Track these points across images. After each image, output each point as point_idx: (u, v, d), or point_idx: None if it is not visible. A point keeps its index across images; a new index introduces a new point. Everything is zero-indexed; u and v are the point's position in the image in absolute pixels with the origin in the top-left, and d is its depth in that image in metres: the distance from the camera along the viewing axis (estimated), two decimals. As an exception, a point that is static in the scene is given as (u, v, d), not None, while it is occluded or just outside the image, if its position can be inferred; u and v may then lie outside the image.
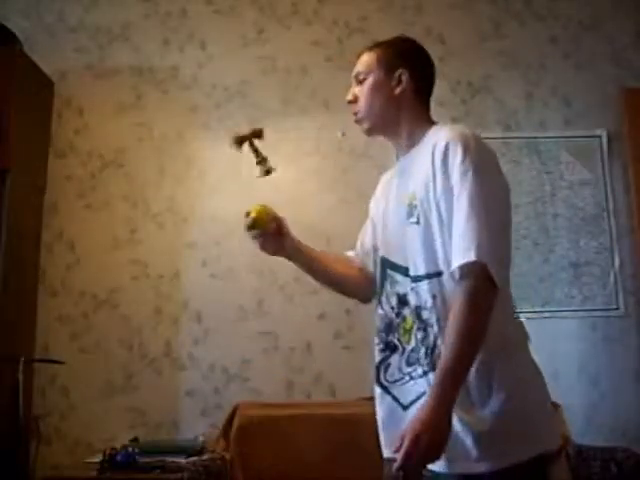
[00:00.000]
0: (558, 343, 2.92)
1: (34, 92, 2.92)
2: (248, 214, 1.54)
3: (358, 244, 1.62)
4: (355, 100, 1.46)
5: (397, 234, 1.38)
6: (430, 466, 1.19)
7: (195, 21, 3.20)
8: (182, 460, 2.43)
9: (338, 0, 3.24)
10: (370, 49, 1.47)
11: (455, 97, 3.15)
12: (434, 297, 1.26)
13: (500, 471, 1.16)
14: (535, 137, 3.11)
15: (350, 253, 1.64)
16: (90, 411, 2.82)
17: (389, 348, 1.37)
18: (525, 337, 1.32)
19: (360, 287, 1.57)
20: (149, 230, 3.01)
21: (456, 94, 3.15)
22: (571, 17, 3.24)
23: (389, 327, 1.38)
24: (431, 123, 1.43)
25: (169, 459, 2.45)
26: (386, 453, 1.35)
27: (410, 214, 1.32)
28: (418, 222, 1.30)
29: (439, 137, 1.30)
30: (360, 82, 1.45)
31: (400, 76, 1.41)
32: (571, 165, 3.08)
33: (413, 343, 1.31)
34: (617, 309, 2.97)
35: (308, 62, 3.18)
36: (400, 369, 1.34)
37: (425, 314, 1.28)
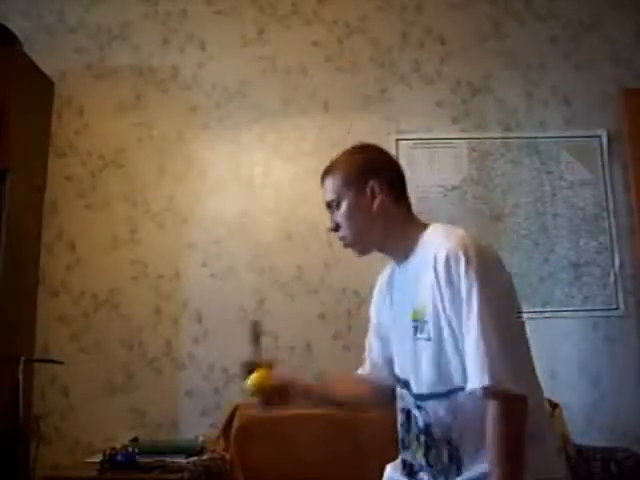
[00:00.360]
0: (558, 343, 2.93)
1: (34, 92, 2.92)
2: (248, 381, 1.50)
3: (367, 360, 1.60)
4: (337, 228, 1.42)
5: (404, 351, 1.37)
6: None
7: (195, 21, 3.20)
8: (182, 460, 2.43)
9: (338, 0, 3.24)
10: (331, 172, 1.43)
11: (455, 97, 3.15)
12: (454, 414, 1.25)
13: None
14: (535, 137, 3.11)
15: (360, 371, 1.62)
16: (90, 411, 2.82)
17: (407, 466, 1.38)
18: (544, 412, 1.33)
19: (375, 401, 1.58)
20: (149, 230, 3.01)
21: (456, 94, 3.15)
22: (571, 17, 3.24)
23: (403, 444, 1.39)
24: (420, 225, 1.40)
25: (169, 459, 2.45)
26: None
27: (420, 330, 1.30)
28: (429, 339, 1.27)
29: (437, 248, 1.27)
30: (335, 208, 1.42)
31: (373, 188, 1.38)
32: (571, 165, 3.08)
33: (424, 461, 1.31)
34: (617, 309, 2.96)
35: (308, 62, 3.18)
36: None
37: (436, 432, 1.27)
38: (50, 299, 2.92)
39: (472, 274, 1.21)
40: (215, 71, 3.16)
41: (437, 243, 1.29)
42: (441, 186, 3.05)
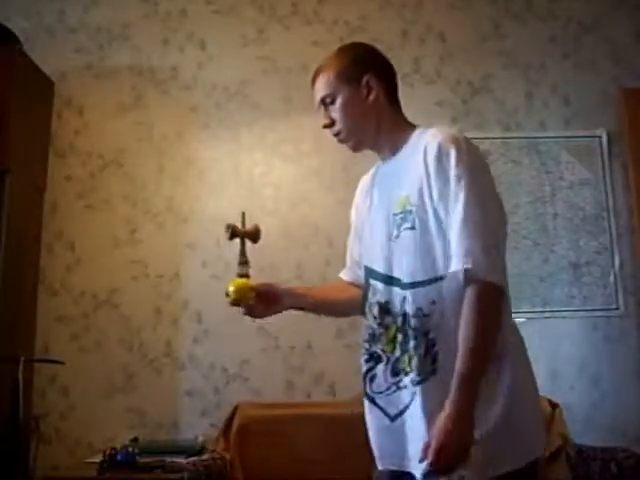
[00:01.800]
0: (558, 343, 2.92)
1: (34, 92, 2.92)
2: (227, 294, 1.50)
3: (348, 258, 1.60)
4: (332, 123, 1.41)
5: (382, 241, 1.36)
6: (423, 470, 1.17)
7: (195, 21, 3.20)
8: (182, 460, 2.43)
9: (338, 0, 3.24)
10: (323, 69, 1.41)
11: (455, 97, 3.15)
12: (433, 302, 1.24)
13: (495, 479, 1.16)
14: (535, 137, 3.11)
15: (341, 274, 1.61)
16: (90, 411, 2.82)
17: (373, 359, 1.36)
18: (521, 340, 1.31)
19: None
20: (149, 230, 3.01)
21: (456, 94, 3.15)
22: (571, 17, 3.24)
23: (372, 337, 1.37)
24: (410, 125, 1.41)
25: (169, 459, 2.45)
26: (380, 465, 1.35)
27: (404, 219, 1.30)
28: (413, 227, 1.28)
29: (428, 140, 1.28)
30: (329, 104, 1.40)
31: (368, 82, 1.37)
32: (571, 165, 3.08)
33: (398, 352, 1.30)
34: (617, 309, 2.96)
35: (308, 62, 3.17)
36: (386, 379, 1.32)
37: (415, 322, 1.26)
38: (50, 299, 2.92)
39: (463, 166, 1.22)
40: (215, 71, 3.16)
41: (428, 137, 1.29)
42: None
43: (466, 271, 1.17)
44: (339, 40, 3.19)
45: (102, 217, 3.01)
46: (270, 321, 2.88)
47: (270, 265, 2.95)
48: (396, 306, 1.30)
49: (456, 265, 1.19)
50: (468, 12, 3.24)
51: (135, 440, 2.66)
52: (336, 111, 1.39)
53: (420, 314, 1.25)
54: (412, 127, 1.40)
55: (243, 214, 1.57)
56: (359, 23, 3.21)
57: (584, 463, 2.36)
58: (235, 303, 1.48)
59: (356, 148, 1.45)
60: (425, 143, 1.28)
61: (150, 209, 3.03)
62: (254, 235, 1.60)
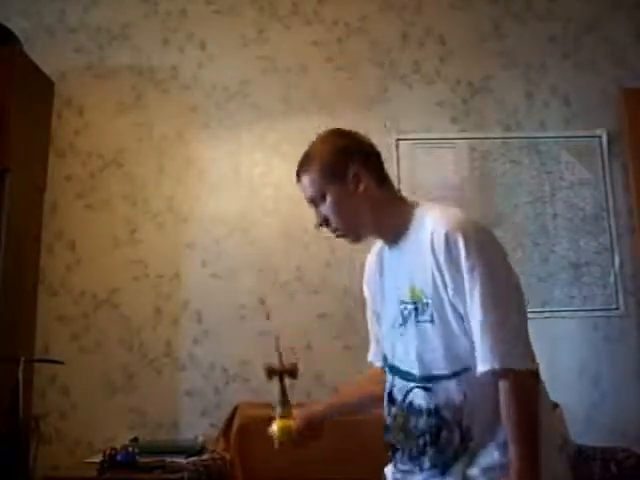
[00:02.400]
0: (558, 343, 2.93)
1: (34, 92, 2.92)
2: (272, 435, 1.52)
3: (374, 344, 1.56)
4: (327, 222, 1.38)
5: (393, 334, 1.36)
6: None
7: (195, 21, 3.20)
8: (182, 460, 2.43)
9: (338, 0, 3.24)
10: (305, 168, 1.39)
11: (455, 97, 3.15)
12: (464, 394, 1.23)
13: None
14: (535, 137, 3.11)
15: (370, 359, 1.58)
16: (90, 411, 2.82)
17: (391, 449, 1.37)
18: (547, 399, 1.31)
19: None
20: (149, 230, 3.01)
21: (456, 94, 3.15)
22: (571, 17, 3.24)
23: (386, 428, 1.38)
24: (409, 204, 1.37)
25: (169, 459, 2.45)
26: None
27: (421, 312, 1.28)
28: (432, 321, 1.26)
29: (434, 228, 1.25)
30: (320, 203, 1.37)
31: (355, 175, 1.33)
32: (571, 165, 3.08)
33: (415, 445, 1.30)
34: (617, 309, 2.97)
35: (308, 62, 3.18)
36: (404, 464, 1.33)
37: (446, 413, 1.25)
38: (50, 299, 2.92)
39: (472, 254, 1.20)
40: (215, 71, 3.16)
41: (433, 222, 1.27)
42: (441, 186, 3.05)
43: (494, 372, 1.18)
44: (339, 40, 3.20)
45: (102, 217, 3.01)
46: (270, 322, 2.91)
47: (270, 266, 2.96)
48: (424, 398, 1.29)
49: (483, 367, 1.19)
50: (468, 12, 3.24)
51: (135, 440, 2.66)
52: (328, 209, 1.36)
53: (449, 405, 1.25)
54: (410, 207, 1.36)
55: (280, 354, 1.57)
56: (359, 23, 3.21)
57: (584, 463, 2.36)
58: (280, 443, 1.49)
59: (357, 240, 1.40)
60: (430, 231, 1.25)
61: (150, 209, 3.03)
62: (293, 372, 1.57)
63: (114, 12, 3.20)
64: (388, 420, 1.37)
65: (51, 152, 3.04)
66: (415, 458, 1.29)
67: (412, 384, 1.31)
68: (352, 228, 1.38)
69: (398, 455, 1.34)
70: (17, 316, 2.72)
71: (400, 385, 1.34)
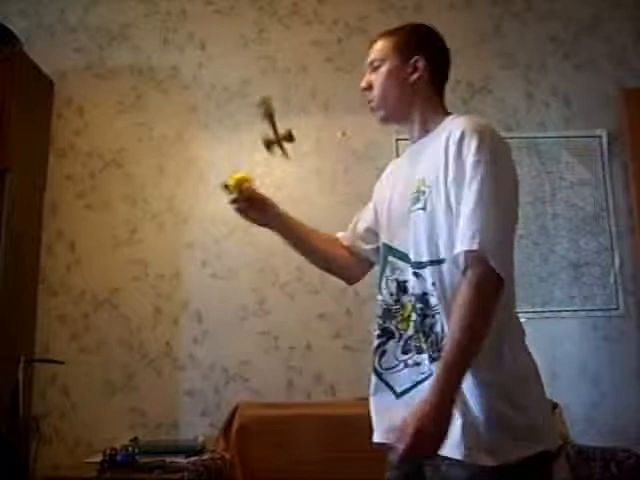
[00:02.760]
0: (558, 343, 2.93)
1: (34, 92, 2.92)
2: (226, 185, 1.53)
3: (351, 225, 1.62)
4: (369, 88, 1.44)
5: (401, 220, 1.37)
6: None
7: (195, 21, 3.20)
8: (182, 460, 2.43)
9: (338, 0, 3.24)
10: (386, 35, 1.44)
11: (455, 97, 3.14)
12: (433, 284, 1.25)
13: (504, 466, 1.14)
14: (535, 137, 3.11)
15: (340, 234, 1.64)
16: (90, 411, 2.82)
17: (386, 334, 1.36)
18: (523, 334, 1.31)
19: (345, 267, 1.60)
20: (149, 230, 3.01)
21: (456, 94, 3.15)
22: (571, 17, 3.24)
23: (387, 313, 1.37)
24: (446, 112, 1.42)
25: (169, 459, 2.45)
26: (377, 438, 1.35)
27: (417, 200, 1.31)
28: (424, 208, 1.28)
29: (454, 126, 1.29)
30: (374, 69, 1.43)
31: (416, 63, 1.40)
32: (571, 165, 3.08)
33: (411, 331, 1.30)
34: (617, 309, 2.96)
35: (308, 62, 3.18)
36: (395, 356, 1.33)
37: (433, 300, 1.25)
38: (50, 299, 2.92)
39: (483, 152, 1.22)
40: (215, 71, 3.16)
41: (457, 123, 1.30)
42: (441, 186, 3.04)
43: (470, 252, 1.16)
44: (339, 40, 3.20)
45: (102, 217, 3.01)
46: (270, 321, 2.91)
47: (269, 266, 2.95)
48: (412, 286, 1.30)
49: (461, 246, 1.18)
50: (468, 12, 3.24)
51: (135, 440, 2.66)
52: (377, 77, 1.42)
53: (433, 293, 1.25)
54: (447, 114, 1.42)
55: (271, 117, 1.67)
56: (359, 23, 3.21)
57: (584, 463, 2.36)
58: (226, 187, 1.52)
59: (384, 120, 1.46)
60: (451, 128, 1.29)
61: (150, 209, 3.03)
62: (290, 136, 1.68)
63: (114, 12, 3.20)
64: (394, 306, 1.36)
65: (51, 152, 3.05)
66: (410, 349, 1.29)
67: (410, 269, 1.33)
68: (386, 104, 1.42)
69: (390, 344, 1.34)
70: (17, 316, 2.72)
71: (410, 273, 1.33)
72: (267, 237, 2.99)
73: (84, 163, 3.06)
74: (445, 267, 1.24)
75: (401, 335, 1.32)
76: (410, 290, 1.32)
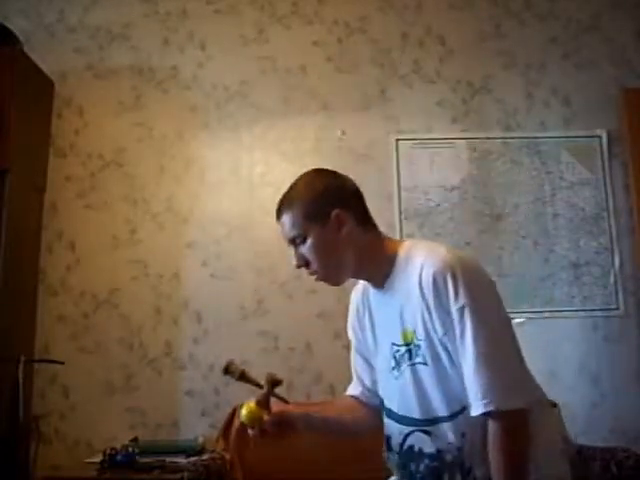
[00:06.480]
0: (558, 343, 2.92)
1: (34, 92, 2.92)
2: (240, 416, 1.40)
3: (358, 382, 1.53)
4: (306, 264, 1.33)
5: (388, 378, 1.34)
6: None
7: (195, 21, 3.20)
8: (182, 460, 2.43)
9: (338, 0, 3.24)
10: (287, 207, 1.33)
11: (455, 97, 3.15)
12: (463, 435, 1.22)
13: None
14: (535, 137, 3.11)
15: (352, 392, 1.54)
16: (90, 411, 2.82)
17: None
18: (547, 410, 1.31)
19: (374, 421, 1.48)
20: (149, 230, 3.01)
21: (456, 94, 3.15)
22: (571, 17, 3.24)
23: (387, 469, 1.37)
24: (393, 244, 1.35)
25: (169, 459, 2.45)
26: None
27: (415, 354, 1.27)
28: (426, 363, 1.25)
29: (422, 267, 1.24)
30: (300, 244, 1.32)
31: (338, 217, 1.30)
32: (571, 165, 3.08)
33: None
34: (617, 309, 2.96)
35: (308, 62, 3.18)
36: None
37: (447, 456, 1.24)
38: (50, 299, 2.92)
39: (461, 294, 1.19)
40: (215, 71, 3.16)
41: (420, 262, 1.25)
42: (441, 186, 3.04)
43: (487, 413, 1.16)
44: (339, 40, 3.20)
45: (102, 217, 3.01)
46: (270, 321, 2.91)
47: (269, 266, 2.96)
48: (426, 441, 1.27)
49: (476, 410, 1.17)
50: (468, 12, 3.24)
51: (135, 440, 2.66)
52: (309, 251, 1.31)
53: (451, 449, 1.23)
54: (394, 246, 1.34)
55: (258, 386, 1.46)
56: (359, 23, 3.21)
57: (584, 463, 2.35)
58: (244, 424, 1.39)
59: (337, 284, 1.38)
60: (419, 272, 1.24)
61: (150, 209, 3.03)
62: (276, 383, 1.45)
63: (114, 12, 3.20)
64: (388, 464, 1.36)
65: (51, 152, 3.04)
66: None
67: (411, 427, 1.29)
68: (333, 271, 1.34)
69: None
70: (17, 316, 2.72)
71: (397, 429, 1.32)
72: (267, 237, 3.01)
73: (84, 163, 3.06)
74: (469, 415, 1.21)
75: None
76: (395, 447, 1.31)
